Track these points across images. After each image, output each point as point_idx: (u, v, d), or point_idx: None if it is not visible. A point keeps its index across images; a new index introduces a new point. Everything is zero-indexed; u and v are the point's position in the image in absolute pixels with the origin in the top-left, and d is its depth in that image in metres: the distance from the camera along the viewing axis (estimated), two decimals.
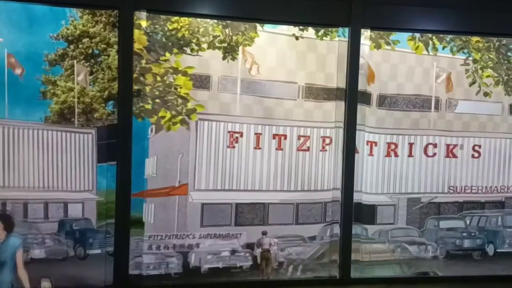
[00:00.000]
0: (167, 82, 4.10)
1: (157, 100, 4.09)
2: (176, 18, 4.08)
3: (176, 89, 4.11)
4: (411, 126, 4.61)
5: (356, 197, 4.48)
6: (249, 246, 4.35)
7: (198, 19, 4.13)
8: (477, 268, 4.75)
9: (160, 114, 4.10)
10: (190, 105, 4.15)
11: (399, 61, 4.59)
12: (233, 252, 4.31)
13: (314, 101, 4.43)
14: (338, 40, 4.42)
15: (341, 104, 4.46)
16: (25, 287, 3.82)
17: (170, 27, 4.08)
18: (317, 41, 4.41)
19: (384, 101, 4.57)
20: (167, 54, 4.09)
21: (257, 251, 4.34)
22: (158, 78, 4.09)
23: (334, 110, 4.48)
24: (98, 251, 4.06)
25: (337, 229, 4.51)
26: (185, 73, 4.13)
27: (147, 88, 4.07)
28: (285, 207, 4.45)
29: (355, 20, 4.37)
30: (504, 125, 4.77)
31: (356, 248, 4.48)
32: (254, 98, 4.34)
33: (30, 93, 3.88)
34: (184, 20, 4.10)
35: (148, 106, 4.08)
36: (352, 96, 4.41)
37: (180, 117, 4.14)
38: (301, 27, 4.36)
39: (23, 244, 3.89)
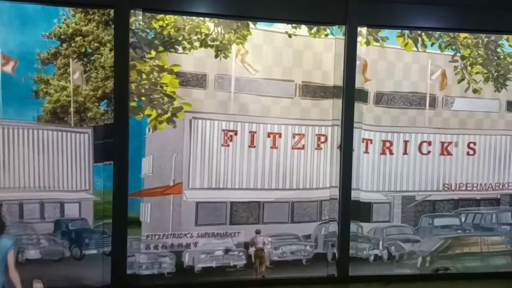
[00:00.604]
0: (153, 80, 4.22)
1: (143, 98, 4.19)
2: (161, 16, 4.17)
3: (162, 87, 4.21)
4: (407, 123, 4.77)
5: (353, 195, 4.65)
6: (244, 245, 4.51)
7: (184, 17, 4.23)
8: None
9: (146, 112, 4.22)
10: (176, 103, 4.26)
11: (396, 58, 4.72)
12: (227, 251, 4.45)
13: (311, 99, 4.56)
14: (335, 38, 4.53)
15: (338, 102, 4.59)
16: None
17: (156, 25, 4.18)
18: (313, 39, 4.54)
19: (381, 99, 4.69)
20: (153, 52, 4.20)
21: (251, 250, 4.50)
22: (144, 76, 4.19)
23: (330, 108, 4.62)
24: (94, 251, 4.18)
25: (332, 228, 4.67)
26: (171, 71, 4.24)
27: (133, 86, 4.17)
28: (280, 206, 4.58)
29: (351, 18, 4.50)
30: (500, 122, 4.94)
31: (475, 241, 4.75)
32: (250, 97, 4.46)
33: (22, 92, 3.99)
34: (170, 18, 4.21)
35: (134, 104, 4.18)
36: (349, 94, 4.56)
37: (166, 116, 4.24)
38: (294, 25, 4.47)
39: (18, 245, 3.99)
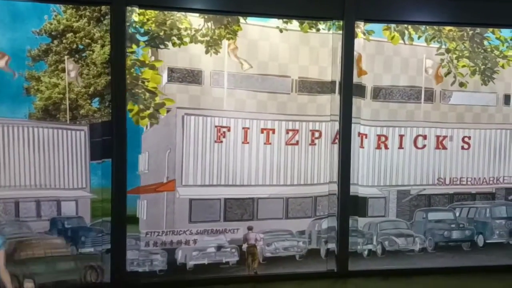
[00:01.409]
0: (134, 74, 4.41)
1: None
2: (141, 10, 4.35)
3: (143, 82, 4.39)
4: (403, 118, 5.01)
5: (351, 190, 4.89)
6: (237, 242, 4.75)
7: (165, 12, 4.41)
8: (466, 259, 5.20)
9: (128, 107, 4.40)
10: (158, 99, 4.45)
11: (384, 52, 4.92)
12: (220, 248, 4.68)
13: (307, 95, 4.78)
14: (332, 33, 4.72)
15: (335, 97, 4.82)
16: None
17: (137, 19, 4.35)
18: (309, 35, 4.72)
19: (379, 93, 4.87)
20: (134, 46, 4.38)
21: (244, 247, 4.75)
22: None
23: (326, 103, 4.83)
24: (91, 249, 4.38)
25: (326, 224, 4.93)
26: (152, 67, 4.42)
27: None
28: (275, 202, 4.82)
29: (348, 13, 4.70)
30: (497, 115, 5.18)
31: None
32: (246, 93, 4.66)
33: (14, 89, 4.18)
34: (151, 12, 4.39)
35: None
36: (347, 89, 4.77)
37: (148, 111, 4.43)
38: (284, 20, 4.67)
39: (13, 244, 4.18)
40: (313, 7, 4.66)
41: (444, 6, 4.86)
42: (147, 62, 4.39)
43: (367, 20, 4.78)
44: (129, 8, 4.29)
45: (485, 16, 4.90)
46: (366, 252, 5.01)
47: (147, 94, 4.41)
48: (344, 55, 4.73)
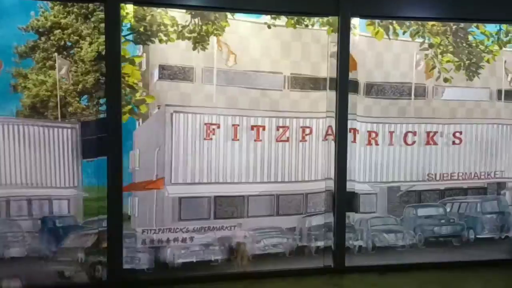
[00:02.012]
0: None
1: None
2: (122, 4, 4.46)
3: (123, 77, 4.52)
4: (395, 114, 5.19)
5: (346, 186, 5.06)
6: (226, 239, 4.90)
7: (145, 7, 4.52)
8: (456, 254, 5.40)
9: None
10: (138, 95, 4.58)
11: (384, 48, 5.08)
12: (209, 245, 4.83)
13: (300, 91, 4.94)
14: (320, 29, 4.84)
15: (327, 94, 4.97)
16: None
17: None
18: (301, 30, 4.88)
19: (371, 90, 5.03)
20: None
21: (232, 244, 4.91)
22: None
23: (319, 100, 4.99)
24: None
25: (316, 221, 5.11)
26: (132, 62, 4.54)
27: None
28: (265, 199, 4.99)
29: (344, 9, 4.85)
30: (490, 111, 5.36)
31: None
32: (237, 90, 4.79)
33: (1, 87, 4.30)
34: (130, 7, 4.50)
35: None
36: (342, 85, 4.93)
37: (128, 107, 4.56)
38: (273, 15, 4.81)
39: (4, 243, 4.34)
40: (307, 3, 4.79)
41: (441, 2, 4.99)
42: (127, 57, 4.52)
43: (363, 16, 4.93)
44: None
45: (486, 11, 5.02)
46: (356, 248, 5.20)
47: (127, 89, 4.54)
48: (340, 51, 4.87)
